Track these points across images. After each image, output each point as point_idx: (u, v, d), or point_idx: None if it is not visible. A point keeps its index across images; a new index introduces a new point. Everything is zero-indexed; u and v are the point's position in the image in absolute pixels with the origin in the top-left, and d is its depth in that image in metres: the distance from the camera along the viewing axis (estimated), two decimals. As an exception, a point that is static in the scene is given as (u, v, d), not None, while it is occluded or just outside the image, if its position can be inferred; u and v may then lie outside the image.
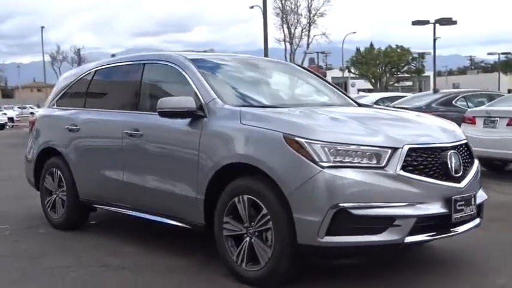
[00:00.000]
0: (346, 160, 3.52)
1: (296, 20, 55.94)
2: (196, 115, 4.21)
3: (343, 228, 3.46)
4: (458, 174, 3.82)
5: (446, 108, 11.08)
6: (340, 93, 5.42)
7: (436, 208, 3.65)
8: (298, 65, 6.66)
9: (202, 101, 4.25)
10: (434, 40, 36.16)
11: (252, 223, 3.79)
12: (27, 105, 61.45)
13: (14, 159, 12.57)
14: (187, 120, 4.27)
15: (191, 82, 4.44)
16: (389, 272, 4.12)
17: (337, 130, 3.70)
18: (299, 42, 56.22)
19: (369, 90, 46.85)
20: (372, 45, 60.84)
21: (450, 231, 3.79)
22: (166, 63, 4.77)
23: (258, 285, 3.76)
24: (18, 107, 56.95)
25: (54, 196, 5.69)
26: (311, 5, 55.40)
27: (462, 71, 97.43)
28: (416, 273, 4.08)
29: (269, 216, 3.67)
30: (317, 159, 3.50)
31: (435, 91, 12.98)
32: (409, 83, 63.30)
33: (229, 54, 5.68)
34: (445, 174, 3.74)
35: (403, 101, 12.68)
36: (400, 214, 3.51)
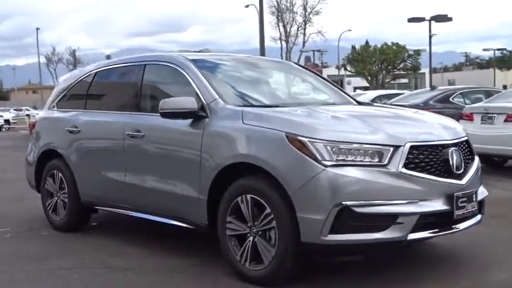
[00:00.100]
0: (349, 158, 3.54)
1: (292, 19, 56.11)
2: (198, 115, 4.22)
3: (347, 226, 3.48)
4: (460, 171, 3.84)
5: (443, 105, 11.11)
6: (339, 91, 5.44)
7: (438, 205, 3.68)
8: (298, 64, 6.68)
9: (204, 102, 4.26)
10: (430, 37, 36.16)
11: (255, 222, 3.80)
12: (23, 107, 61.27)
13: (11, 161, 12.56)
14: (189, 120, 4.28)
15: (192, 83, 4.45)
16: (391, 269, 4.14)
17: (339, 129, 3.72)
18: (295, 40, 56.37)
19: (365, 88, 46.89)
20: (367, 42, 60.89)
21: (452, 228, 3.81)
22: (167, 64, 4.78)
23: (262, 284, 3.78)
24: (14, 109, 56.76)
25: (56, 198, 5.69)
26: (306, 3, 55.58)
27: (457, 68, 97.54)
28: (418, 270, 4.11)
29: (272, 216, 3.68)
30: (320, 158, 3.52)
31: (432, 88, 13.03)
32: (405, 80, 63.34)
33: (228, 54, 5.69)
34: (446, 171, 3.77)
35: (401, 99, 12.71)
36: (402, 211, 3.53)
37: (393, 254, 4.35)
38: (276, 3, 54.90)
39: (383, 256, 4.31)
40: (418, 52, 56.14)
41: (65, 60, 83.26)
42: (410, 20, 36.13)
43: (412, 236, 3.57)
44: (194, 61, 4.66)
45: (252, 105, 4.36)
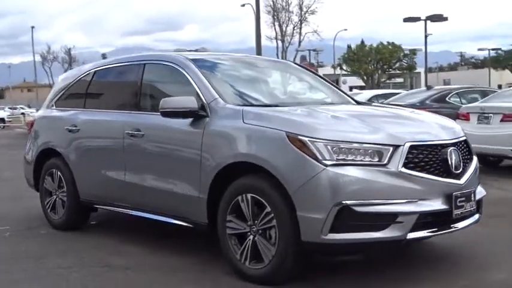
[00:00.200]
0: (349, 158, 3.56)
1: (287, 18, 56.15)
2: (198, 115, 4.23)
3: (347, 225, 3.50)
4: (458, 171, 3.87)
5: (440, 105, 11.16)
6: (338, 91, 5.46)
7: (437, 204, 3.70)
8: (297, 64, 6.69)
9: (204, 101, 4.28)
10: (426, 37, 36.24)
11: (256, 221, 3.82)
12: (18, 106, 61.03)
13: (7, 159, 12.55)
14: (189, 120, 4.29)
15: (192, 82, 4.46)
16: (390, 269, 4.16)
17: (339, 128, 3.74)
18: (291, 40, 56.43)
19: (361, 87, 46.91)
20: (363, 42, 60.93)
21: (451, 227, 3.84)
22: (167, 63, 4.79)
23: (262, 283, 3.79)
24: (9, 108, 56.52)
25: (54, 197, 5.69)
26: (302, 3, 55.65)
27: (453, 67, 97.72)
28: (417, 269, 4.13)
29: (273, 215, 3.70)
30: (320, 158, 3.54)
31: (428, 88, 13.07)
32: (401, 80, 63.43)
33: (226, 53, 5.69)
34: (445, 171, 3.79)
35: (397, 98, 12.76)
36: (402, 211, 3.55)
37: (393, 253, 4.37)
38: (272, 3, 55.02)
39: (383, 255, 4.33)
40: (413, 52, 56.24)
41: (60, 58, 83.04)
42: (406, 19, 36.24)
43: (412, 235, 3.59)
44: (194, 61, 4.67)
45: (252, 105, 4.37)
